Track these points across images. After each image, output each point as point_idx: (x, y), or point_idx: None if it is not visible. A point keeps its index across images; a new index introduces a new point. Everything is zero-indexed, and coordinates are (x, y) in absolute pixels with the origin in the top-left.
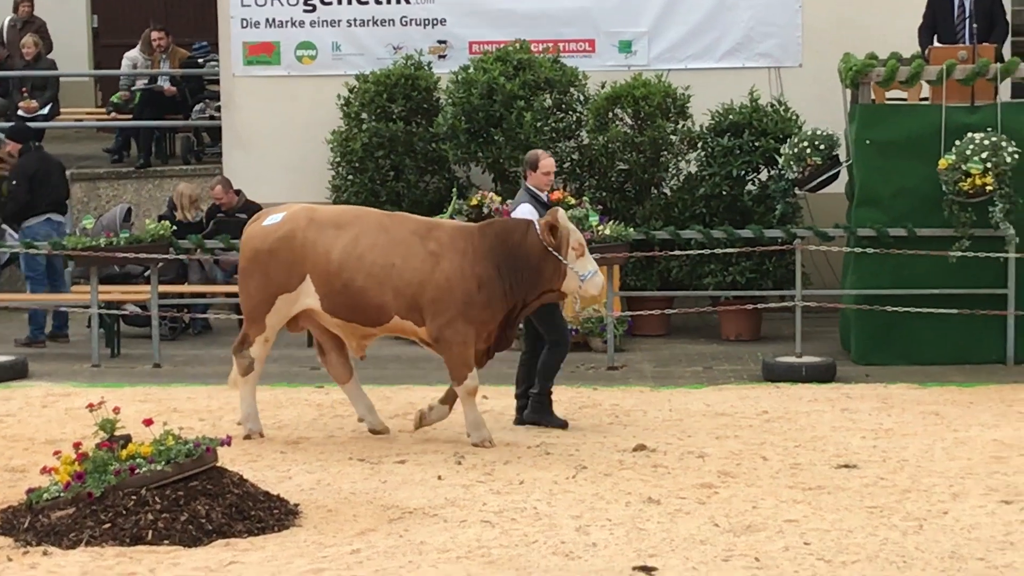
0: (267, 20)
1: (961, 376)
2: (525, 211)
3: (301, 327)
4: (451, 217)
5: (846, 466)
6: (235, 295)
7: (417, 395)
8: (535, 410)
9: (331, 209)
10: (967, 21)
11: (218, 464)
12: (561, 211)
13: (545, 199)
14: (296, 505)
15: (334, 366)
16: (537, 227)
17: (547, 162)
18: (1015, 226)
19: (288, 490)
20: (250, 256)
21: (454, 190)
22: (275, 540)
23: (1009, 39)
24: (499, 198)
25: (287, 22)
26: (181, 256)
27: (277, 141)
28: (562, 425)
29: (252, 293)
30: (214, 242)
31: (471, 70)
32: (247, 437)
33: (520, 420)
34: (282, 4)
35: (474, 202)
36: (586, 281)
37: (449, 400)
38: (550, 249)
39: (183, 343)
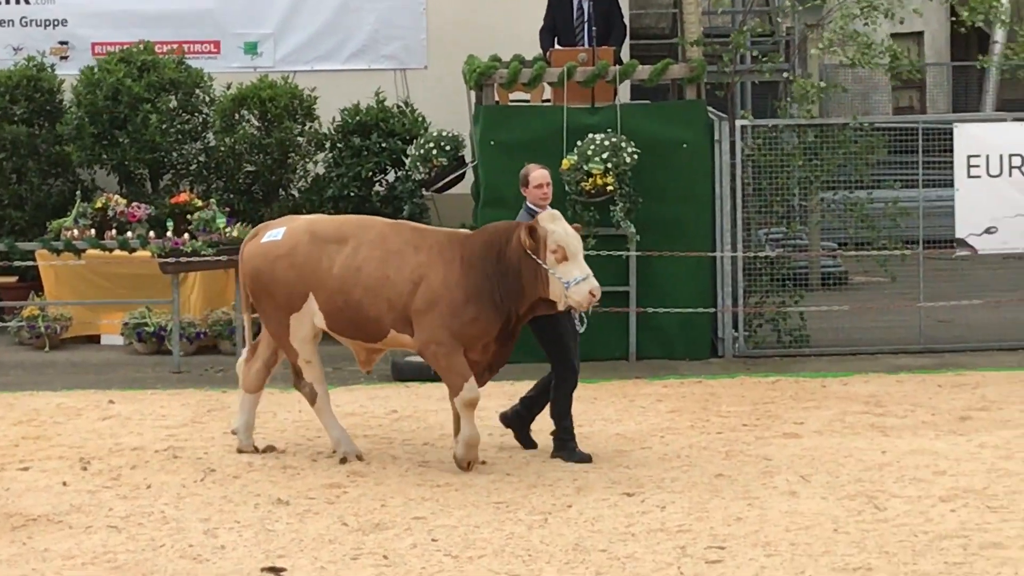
0: None
1: (585, 372)
2: None
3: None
4: (75, 220)
5: None
6: None
7: (40, 401)
8: (559, 447)
9: (332, 221)
10: (586, 24)
11: None
12: (550, 213)
13: None
14: None
15: (251, 374)
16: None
17: (537, 174)
18: (636, 225)
19: None
20: (252, 276)
21: (78, 193)
22: None
23: (628, 42)
24: (124, 201)
25: None
26: None
27: None
28: (587, 459)
29: (269, 317)
30: None
31: (96, 71)
32: (343, 461)
33: (505, 416)
34: None
35: (99, 205)
36: (570, 288)
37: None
38: (530, 254)
39: None
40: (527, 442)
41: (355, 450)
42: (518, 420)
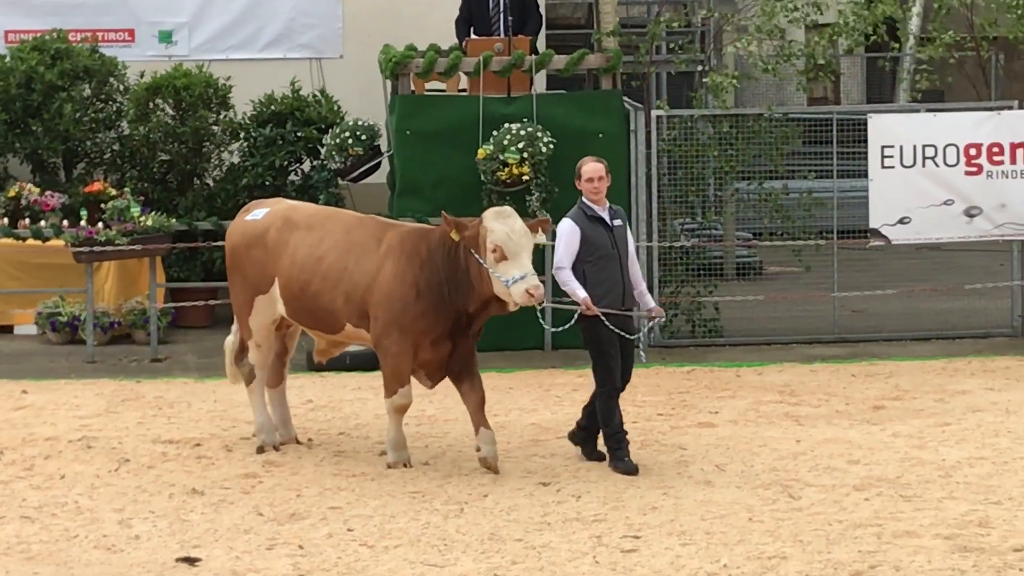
0: None
1: (501, 362)
2: (562, 227)
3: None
4: None
5: None
6: None
7: None
8: (609, 456)
9: (308, 208)
10: (502, 14)
11: None
12: (496, 210)
13: (602, 215)
14: None
15: (269, 368)
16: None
17: (589, 168)
18: (551, 215)
19: None
20: (229, 252)
21: None
22: None
23: (544, 32)
24: (37, 190)
25: None
26: None
27: None
28: (632, 471)
29: (236, 293)
30: None
31: (8, 59)
32: (260, 450)
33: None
34: None
35: (12, 194)
36: (509, 287)
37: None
38: (473, 253)
39: None
40: (595, 455)
41: (274, 440)
42: (582, 435)
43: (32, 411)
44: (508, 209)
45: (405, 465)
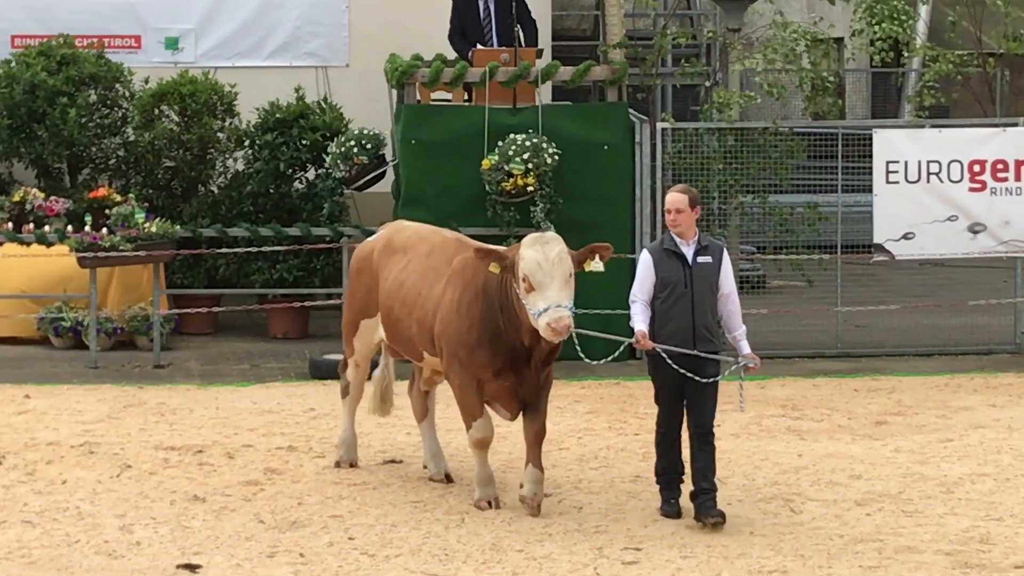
0: None
1: None
2: (640, 258)
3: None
4: None
5: (392, 461)
6: None
7: None
8: (661, 495)
9: (410, 229)
10: (494, 23)
11: None
12: (534, 237)
13: (682, 250)
14: None
15: (414, 401)
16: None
17: (668, 198)
18: (556, 226)
19: None
20: (348, 272)
21: None
22: None
23: (550, 43)
24: (42, 194)
25: None
26: None
27: None
28: (672, 515)
29: (346, 310)
30: None
31: (13, 65)
32: (337, 465)
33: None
34: None
35: (16, 198)
36: (536, 319)
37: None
38: (513, 281)
39: None
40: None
41: (353, 458)
42: (702, 498)
43: (34, 416)
44: (550, 235)
45: (491, 504)
